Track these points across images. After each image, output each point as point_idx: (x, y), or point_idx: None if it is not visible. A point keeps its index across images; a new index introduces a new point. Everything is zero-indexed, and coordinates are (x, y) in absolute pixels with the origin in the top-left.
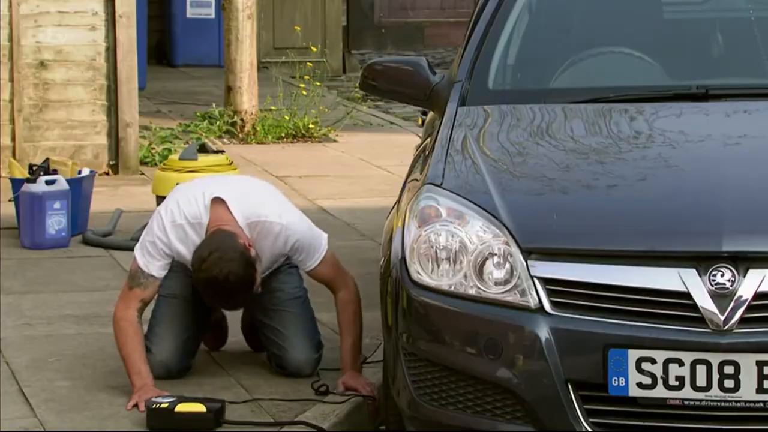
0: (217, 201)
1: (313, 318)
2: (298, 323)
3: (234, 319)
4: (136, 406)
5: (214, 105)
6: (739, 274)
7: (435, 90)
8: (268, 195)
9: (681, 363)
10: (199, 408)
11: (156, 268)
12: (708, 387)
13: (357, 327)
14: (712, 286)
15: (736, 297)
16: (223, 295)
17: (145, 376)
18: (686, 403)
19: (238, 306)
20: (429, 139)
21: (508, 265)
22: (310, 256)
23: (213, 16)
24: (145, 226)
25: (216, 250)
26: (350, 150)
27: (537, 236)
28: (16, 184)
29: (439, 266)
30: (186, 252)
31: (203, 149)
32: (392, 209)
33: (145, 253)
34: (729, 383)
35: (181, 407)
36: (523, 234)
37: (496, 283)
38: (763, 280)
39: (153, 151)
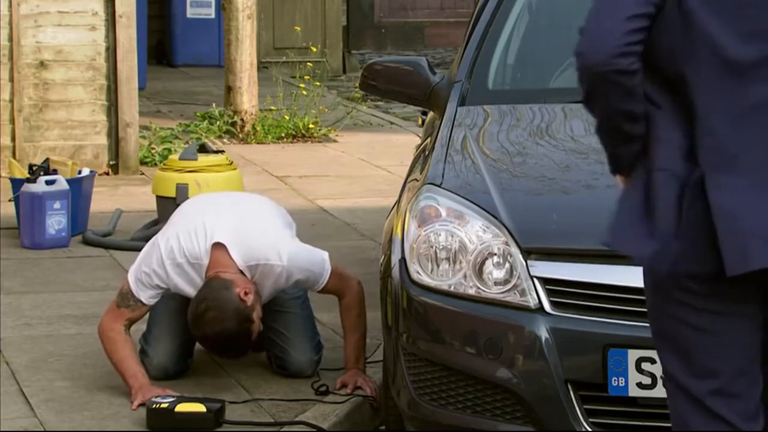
0: (217, 245)
1: (313, 318)
2: (299, 324)
3: None
4: (142, 405)
5: (214, 105)
6: None
7: (435, 90)
8: (267, 224)
9: None
10: (199, 408)
11: (147, 296)
12: None
13: (361, 327)
14: None
15: None
16: (219, 349)
17: (141, 377)
18: None
19: (240, 355)
20: (429, 139)
21: (507, 265)
22: (313, 282)
23: (213, 16)
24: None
25: (211, 308)
26: (350, 150)
27: (537, 236)
28: (16, 184)
29: (438, 266)
30: (184, 285)
31: (203, 149)
32: (392, 209)
33: (139, 282)
34: None
35: (181, 407)
36: (522, 234)
37: (496, 283)
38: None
39: (153, 151)
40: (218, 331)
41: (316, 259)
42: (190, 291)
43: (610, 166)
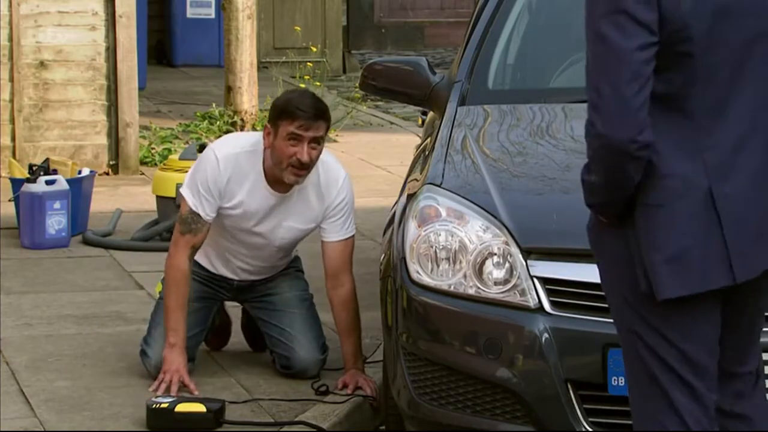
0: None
1: (319, 320)
2: (305, 324)
3: (234, 318)
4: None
5: (214, 105)
6: None
7: (435, 90)
8: None
9: None
10: (199, 408)
11: (205, 210)
12: None
13: (359, 324)
14: None
15: None
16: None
17: (180, 335)
18: None
19: (317, 119)
20: (429, 139)
21: (507, 265)
22: (342, 225)
23: (213, 16)
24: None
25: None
26: (350, 150)
27: (537, 236)
28: (16, 184)
29: (438, 266)
30: (236, 186)
31: (203, 149)
32: (392, 209)
33: (195, 193)
34: None
35: (181, 407)
36: (522, 234)
37: (496, 283)
38: None
39: (153, 151)
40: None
41: (353, 216)
42: (242, 196)
43: (600, 207)
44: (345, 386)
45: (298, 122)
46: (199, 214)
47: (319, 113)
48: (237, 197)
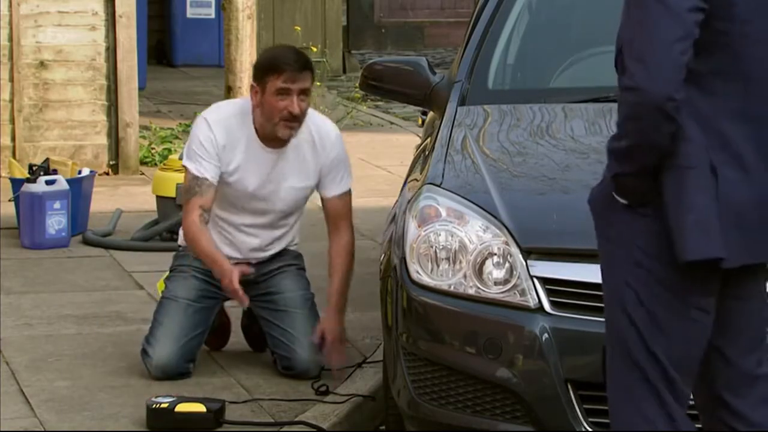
0: None
1: (320, 320)
2: (307, 325)
3: (234, 319)
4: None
5: None
6: None
7: (435, 90)
8: None
9: None
10: (199, 408)
11: (208, 171)
12: None
13: (350, 272)
14: None
15: None
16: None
17: (225, 261)
18: None
19: (303, 71)
20: (429, 139)
21: (507, 265)
22: (340, 179)
23: (213, 16)
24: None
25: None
26: (350, 150)
27: (537, 236)
28: (16, 184)
29: (438, 266)
30: (231, 150)
31: None
32: (392, 209)
33: (196, 158)
34: None
35: (181, 407)
36: (522, 234)
37: (496, 283)
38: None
39: (153, 151)
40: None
41: (350, 169)
42: (240, 160)
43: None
44: (322, 336)
45: (285, 75)
46: (203, 177)
47: (305, 64)
48: (234, 161)
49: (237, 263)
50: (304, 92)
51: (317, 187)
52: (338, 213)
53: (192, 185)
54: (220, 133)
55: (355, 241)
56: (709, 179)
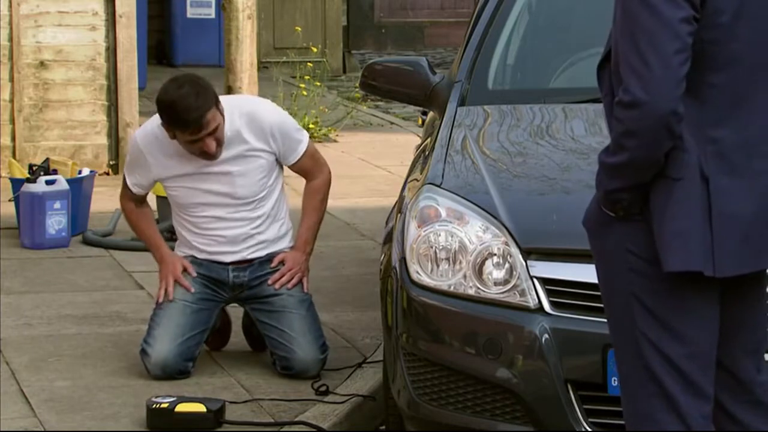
0: None
1: (319, 321)
2: (305, 325)
3: (234, 319)
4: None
5: None
6: None
7: (435, 90)
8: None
9: None
10: (199, 408)
11: (139, 182)
12: None
13: (321, 211)
14: None
15: None
16: (180, 103)
17: (162, 246)
18: None
19: (190, 124)
20: (429, 139)
21: (507, 265)
22: (294, 143)
23: (213, 16)
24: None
25: (187, 82)
26: (350, 150)
27: (536, 236)
28: (16, 184)
29: (438, 266)
30: (155, 160)
31: None
32: (392, 209)
33: (128, 172)
34: None
35: (181, 407)
36: (522, 234)
37: (496, 283)
38: None
39: None
40: (182, 93)
41: (300, 131)
42: (176, 158)
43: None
44: (282, 262)
45: (190, 130)
46: (134, 184)
47: (204, 111)
48: (172, 160)
49: (237, 263)
50: (215, 129)
51: (278, 160)
52: (306, 169)
53: (126, 189)
54: (147, 145)
55: (329, 181)
56: (699, 189)
